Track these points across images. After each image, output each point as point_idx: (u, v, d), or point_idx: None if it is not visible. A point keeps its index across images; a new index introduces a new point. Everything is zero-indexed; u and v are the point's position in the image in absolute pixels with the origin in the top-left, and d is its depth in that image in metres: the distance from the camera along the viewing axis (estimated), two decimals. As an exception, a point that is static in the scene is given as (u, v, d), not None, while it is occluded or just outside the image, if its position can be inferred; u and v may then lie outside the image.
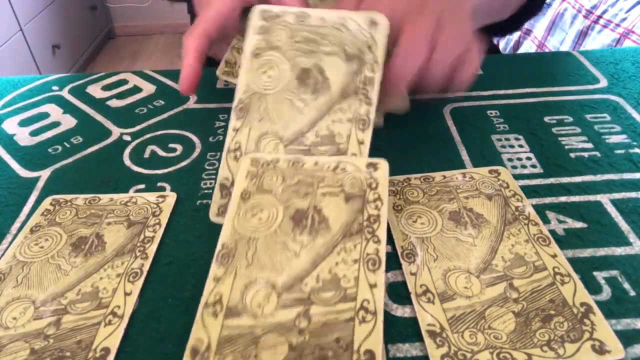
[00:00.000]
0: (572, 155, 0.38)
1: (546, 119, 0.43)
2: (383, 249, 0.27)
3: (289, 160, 0.31)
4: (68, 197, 0.36)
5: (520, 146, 0.40)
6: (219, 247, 0.28)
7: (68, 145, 0.42)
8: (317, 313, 0.25)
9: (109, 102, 0.48)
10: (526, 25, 1.65)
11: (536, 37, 1.59)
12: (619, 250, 0.30)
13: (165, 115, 0.45)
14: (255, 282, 0.26)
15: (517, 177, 0.36)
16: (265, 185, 0.30)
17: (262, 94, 0.28)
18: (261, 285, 0.26)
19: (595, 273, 0.29)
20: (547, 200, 0.34)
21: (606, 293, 0.28)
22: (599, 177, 0.36)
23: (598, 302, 0.27)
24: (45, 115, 0.46)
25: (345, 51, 0.30)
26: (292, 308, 0.25)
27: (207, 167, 0.39)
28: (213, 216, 0.31)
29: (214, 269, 0.27)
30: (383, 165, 0.31)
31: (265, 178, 0.30)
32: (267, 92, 0.28)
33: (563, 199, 0.34)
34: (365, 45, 0.30)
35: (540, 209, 0.33)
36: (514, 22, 0.52)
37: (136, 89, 0.50)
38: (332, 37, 0.31)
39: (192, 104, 0.47)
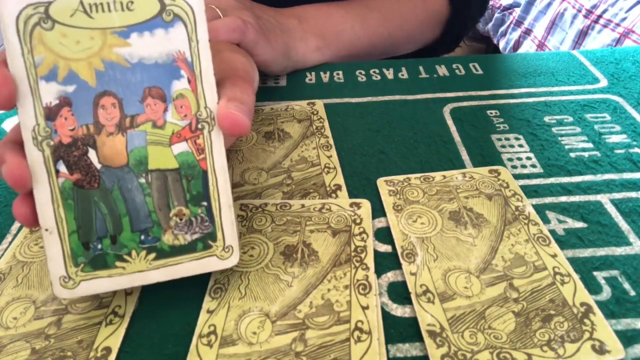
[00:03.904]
0: (572, 155, 0.38)
1: (546, 119, 0.43)
2: (372, 274, 0.29)
3: (276, 204, 0.34)
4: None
5: (520, 146, 0.40)
6: (211, 282, 0.29)
7: (68, 145, 0.42)
8: (312, 337, 0.26)
9: (109, 102, 0.48)
10: (526, 25, 1.65)
11: (536, 36, 1.59)
12: (619, 250, 0.31)
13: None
14: (249, 312, 0.27)
15: (517, 177, 0.36)
16: (255, 225, 0.32)
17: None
18: (255, 314, 0.27)
19: (595, 273, 0.29)
20: (547, 200, 0.34)
21: (606, 293, 0.28)
22: (599, 177, 0.36)
23: (598, 302, 0.27)
24: (46, 115, 0.46)
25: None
26: (287, 334, 0.26)
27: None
28: None
29: (207, 302, 0.28)
30: (366, 204, 0.33)
31: (255, 220, 0.33)
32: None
33: (563, 199, 0.34)
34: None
35: (540, 209, 0.33)
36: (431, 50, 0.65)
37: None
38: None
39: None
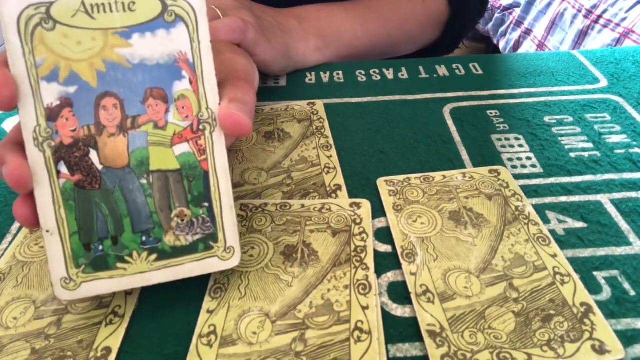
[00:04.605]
0: (572, 155, 0.38)
1: (546, 119, 0.43)
2: (372, 274, 0.29)
3: (276, 204, 0.34)
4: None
5: (520, 146, 0.40)
6: (211, 282, 0.29)
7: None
8: (312, 337, 0.26)
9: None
10: (526, 25, 1.65)
11: (536, 36, 1.59)
12: (619, 250, 0.31)
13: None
14: (249, 312, 0.27)
15: (517, 177, 0.36)
16: (255, 226, 0.32)
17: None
18: (255, 314, 0.27)
19: (595, 273, 0.29)
20: (547, 200, 0.34)
21: (606, 293, 0.28)
22: (599, 177, 0.36)
23: (598, 302, 0.27)
24: (46, 115, 0.46)
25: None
26: (287, 334, 0.26)
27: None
28: None
29: (207, 302, 0.28)
30: (366, 204, 0.33)
31: (255, 220, 0.33)
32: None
33: (563, 199, 0.34)
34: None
35: (540, 209, 0.33)
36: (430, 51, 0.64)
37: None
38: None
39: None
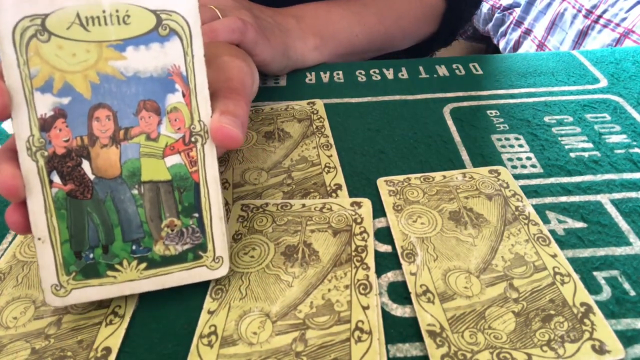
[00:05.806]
0: (572, 155, 0.38)
1: (546, 119, 0.43)
2: (372, 274, 0.29)
3: (277, 204, 0.34)
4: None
5: (520, 146, 0.40)
6: (212, 283, 0.29)
7: (68, 145, 0.42)
8: (313, 337, 0.26)
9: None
10: (526, 25, 1.65)
11: (536, 36, 1.59)
12: (619, 250, 0.31)
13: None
14: (250, 312, 0.27)
15: (517, 177, 0.36)
16: (256, 226, 0.32)
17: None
18: (255, 315, 0.27)
19: (595, 273, 0.29)
20: (547, 200, 0.34)
21: (606, 293, 0.28)
22: (599, 177, 0.36)
23: (598, 302, 0.27)
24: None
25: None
26: (287, 334, 0.26)
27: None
28: None
29: (208, 303, 0.28)
30: (367, 203, 0.33)
31: (256, 220, 0.33)
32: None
33: (563, 199, 0.34)
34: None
35: (540, 209, 0.33)
36: (425, 48, 0.65)
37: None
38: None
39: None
